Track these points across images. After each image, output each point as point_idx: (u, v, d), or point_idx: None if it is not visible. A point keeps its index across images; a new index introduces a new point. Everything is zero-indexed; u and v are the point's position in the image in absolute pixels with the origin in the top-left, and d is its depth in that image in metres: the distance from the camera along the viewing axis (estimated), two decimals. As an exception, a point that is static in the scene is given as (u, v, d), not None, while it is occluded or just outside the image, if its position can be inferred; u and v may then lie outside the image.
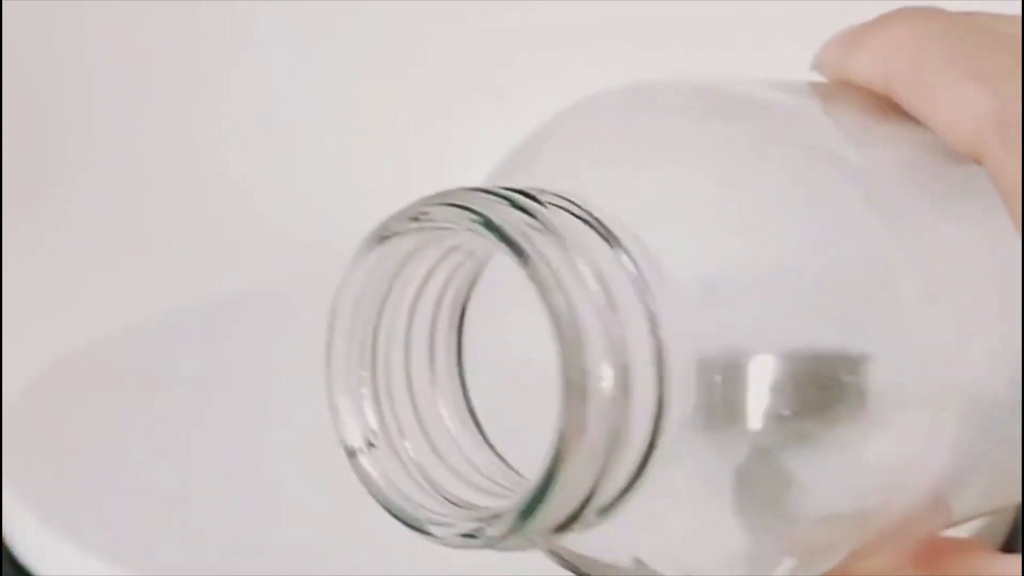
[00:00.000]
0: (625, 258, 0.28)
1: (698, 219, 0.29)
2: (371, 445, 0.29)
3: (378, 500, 0.29)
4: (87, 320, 0.59)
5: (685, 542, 0.30)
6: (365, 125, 0.74)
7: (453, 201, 0.29)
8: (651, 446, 0.27)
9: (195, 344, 0.57)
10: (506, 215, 0.29)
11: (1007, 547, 0.54)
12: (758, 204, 0.29)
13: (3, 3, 0.75)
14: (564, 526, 0.28)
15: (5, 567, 0.47)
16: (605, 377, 0.27)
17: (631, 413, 0.27)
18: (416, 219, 0.29)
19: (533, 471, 0.28)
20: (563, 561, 0.30)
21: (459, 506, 0.29)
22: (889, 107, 0.32)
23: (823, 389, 0.29)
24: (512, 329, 0.33)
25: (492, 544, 0.28)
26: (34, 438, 0.50)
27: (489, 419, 0.31)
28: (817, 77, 0.33)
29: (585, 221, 0.28)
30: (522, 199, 0.29)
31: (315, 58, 0.76)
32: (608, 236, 0.28)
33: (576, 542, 0.29)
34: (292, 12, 0.77)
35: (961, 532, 0.33)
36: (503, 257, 0.29)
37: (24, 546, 0.47)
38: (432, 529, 0.28)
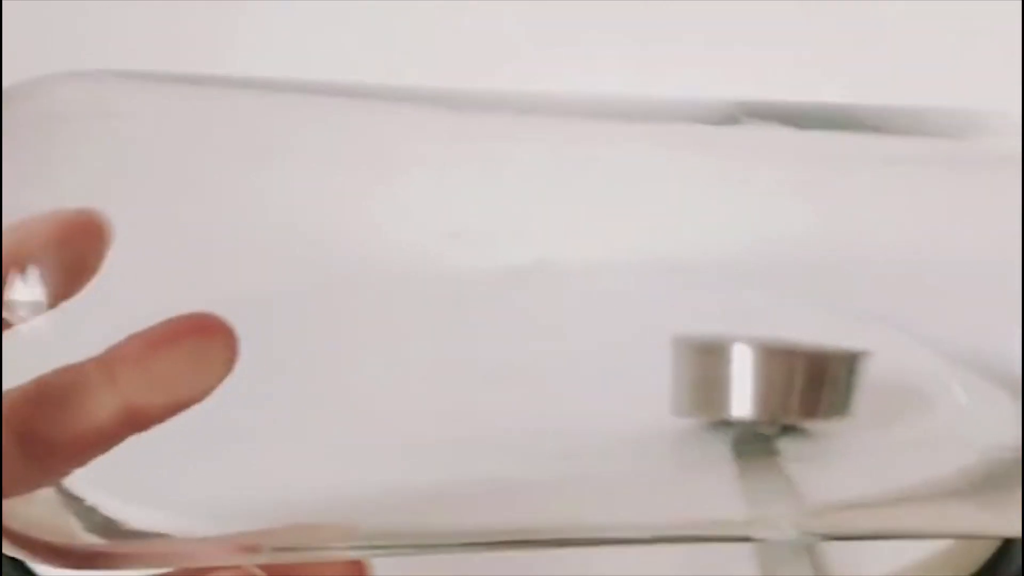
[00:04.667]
0: None
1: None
2: None
3: None
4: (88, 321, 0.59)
5: None
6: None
7: None
8: None
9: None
10: None
11: (988, 572, 0.53)
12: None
13: (2, 3, 0.75)
14: None
15: (5, 567, 0.47)
16: None
17: None
18: None
19: None
20: None
21: None
22: None
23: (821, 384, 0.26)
24: None
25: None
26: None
27: None
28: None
29: None
30: None
31: (314, 59, 0.76)
32: None
33: None
34: (291, 13, 0.78)
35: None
36: None
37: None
38: None
